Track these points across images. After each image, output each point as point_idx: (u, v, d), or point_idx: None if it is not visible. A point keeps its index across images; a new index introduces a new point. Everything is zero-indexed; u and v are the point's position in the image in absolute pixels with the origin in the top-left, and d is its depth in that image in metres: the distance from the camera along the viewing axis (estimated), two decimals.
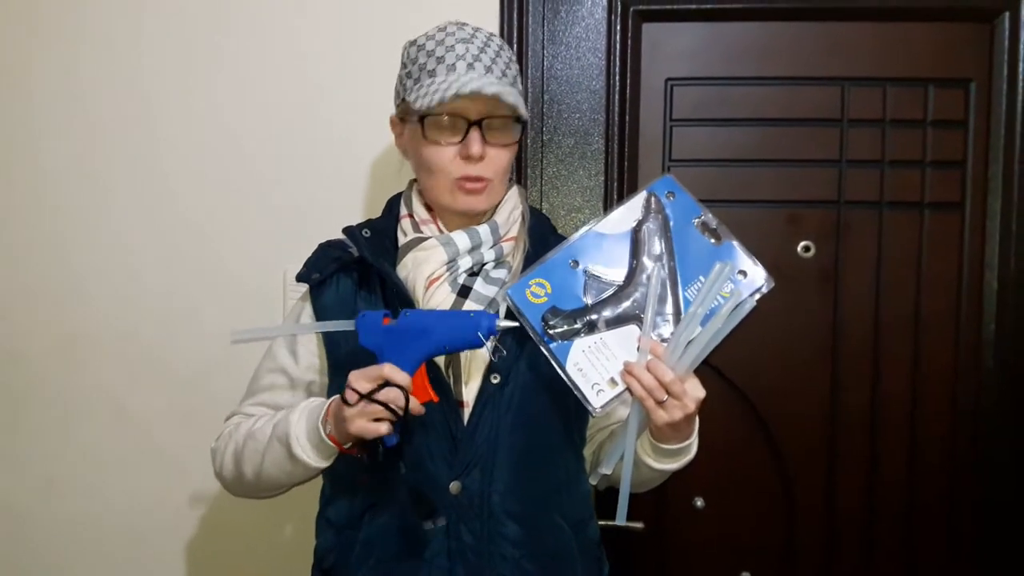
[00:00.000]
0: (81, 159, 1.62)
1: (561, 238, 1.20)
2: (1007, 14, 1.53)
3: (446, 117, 1.08)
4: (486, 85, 1.05)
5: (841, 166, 1.58)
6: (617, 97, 1.54)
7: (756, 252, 1.56)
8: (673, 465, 1.08)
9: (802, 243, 1.59)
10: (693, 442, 1.07)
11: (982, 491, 1.59)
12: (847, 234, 1.58)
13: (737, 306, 0.96)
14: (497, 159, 1.11)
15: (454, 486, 1.06)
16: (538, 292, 1.01)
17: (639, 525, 1.54)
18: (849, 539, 1.62)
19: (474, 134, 1.08)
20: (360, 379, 0.97)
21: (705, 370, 1.57)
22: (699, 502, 1.62)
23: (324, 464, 1.05)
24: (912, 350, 1.59)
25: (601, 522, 1.22)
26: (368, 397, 0.95)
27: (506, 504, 1.08)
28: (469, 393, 1.08)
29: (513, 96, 1.07)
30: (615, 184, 1.56)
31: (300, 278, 1.16)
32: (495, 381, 1.07)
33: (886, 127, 1.58)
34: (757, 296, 0.99)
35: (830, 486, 1.61)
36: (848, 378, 1.60)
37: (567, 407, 1.10)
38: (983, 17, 1.55)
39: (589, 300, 1.00)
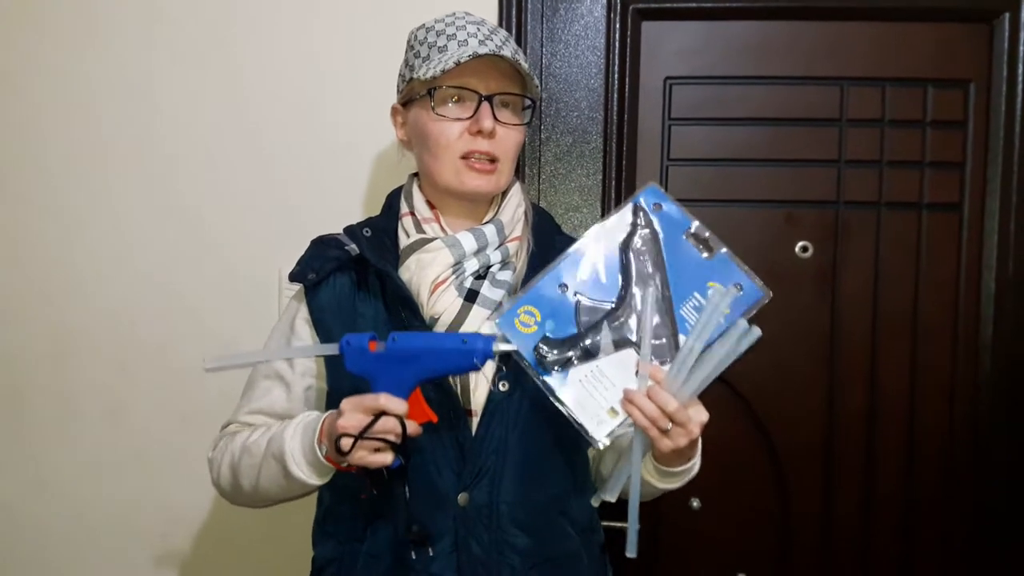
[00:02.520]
0: (77, 159, 1.61)
1: (565, 236, 1.19)
2: (1007, 15, 1.52)
3: (456, 91, 1.06)
4: (501, 50, 1.05)
5: (840, 166, 1.58)
6: (616, 96, 1.53)
7: (754, 252, 1.57)
8: (676, 484, 1.07)
9: (800, 243, 1.59)
10: (696, 461, 1.06)
11: (979, 493, 1.59)
12: (845, 234, 1.58)
13: (742, 338, 0.91)
14: (507, 139, 1.08)
15: (462, 497, 1.04)
16: (527, 321, 0.95)
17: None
18: (845, 540, 1.61)
19: (485, 108, 1.05)
20: (356, 410, 0.94)
21: None
22: (695, 503, 1.61)
23: (322, 481, 1.03)
24: (910, 351, 1.59)
25: (605, 523, 1.21)
26: (362, 437, 0.92)
27: (514, 514, 1.05)
28: (477, 402, 1.05)
29: (527, 66, 1.07)
30: (613, 183, 1.55)
31: (294, 278, 1.11)
32: (503, 389, 1.05)
33: (885, 127, 1.57)
34: (755, 310, 0.95)
35: (826, 487, 1.61)
36: (845, 378, 1.59)
37: None
38: (982, 18, 1.54)
39: (581, 325, 0.95)
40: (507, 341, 0.95)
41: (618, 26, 1.53)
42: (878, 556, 1.62)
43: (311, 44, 1.55)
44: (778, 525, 1.62)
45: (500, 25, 1.51)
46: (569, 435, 1.08)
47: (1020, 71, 1.52)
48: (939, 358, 1.59)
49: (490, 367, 1.05)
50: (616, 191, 1.55)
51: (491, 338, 0.95)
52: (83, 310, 1.62)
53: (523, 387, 1.05)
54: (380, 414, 0.93)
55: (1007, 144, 1.54)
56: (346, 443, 0.92)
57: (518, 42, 1.51)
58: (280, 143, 1.57)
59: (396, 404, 0.93)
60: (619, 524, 1.54)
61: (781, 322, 1.58)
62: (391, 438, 0.93)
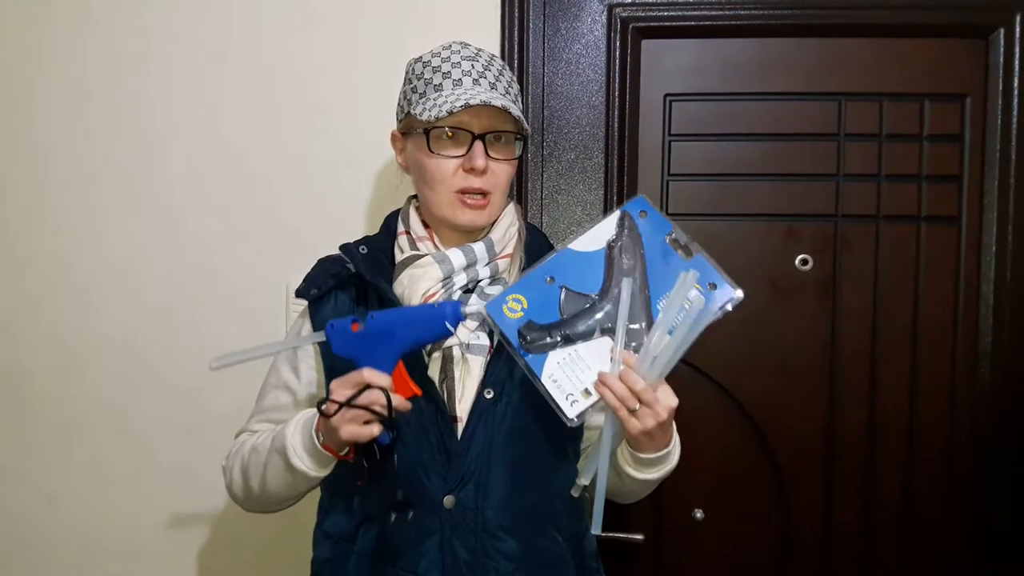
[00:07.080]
0: (84, 172, 1.64)
1: None
2: (1002, 30, 1.55)
3: (451, 130, 1.10)
4: (494, 98, 1.08)
5: (838, 180, 1.60)
6: (616, 112, 1.56)
7: (754, 265, 1.59)
8: (655, 475, 1.09)
9: (800, 256, 1.61)
10: (672, 451, 1.09)
11: (979, 503, 1.60)
12: (844, 247, 1.60)
13: (701, 315, 0.97)
14: (499, 173, 1.13)
15: (448, 500, 1.07)
16: (515, 307, 1.03)
17: (639, 537, 1.56)
18: (846, 551, 1.62)
19: (478, 147, 1.10)
20: (342, 387, 1.00)
21: (704, 382, 1.59)
22: (699, 514, 1.62)
23: (323, 472, 1.07)
24: (909, 363, 1.60)
25: (600, 533, 1.22)
26: (347, 405, 0.98)
27: (500, 518, 1.08)
28: (463, 408, 1.09)
29: (518, 111, 1.11)
30: (615, 198, 1.57)
31: (299, 294, 1.17)
32: (488, 396, 1.08)
33: (883, 141, 1.59)
34: (729, 308, 1.00)
35: (828, 498, 1.62)
36: (846, 390, 1.61)
37: (561, 421, 1.11)
38: (978, 33, 1.57)
39: (564, 313, 1.02)
40: (476, 303, 1.03)
41: (618, 44, 1.56)
42: (879, 566, 1.62)
43: (315, 63, 1.58)
44: (780, 535, 1.63)
45: (502, 46, 1.54)
46: (556, 442, 1.12)
47: (1015, 85, 1.54)
48: (938, 368, 1.60)
49: (477, 374, 1.09)
50: (617, 206, 1.56)
51: (459, 302, 1.02)
52: (89, 326, 1.65)
53: (509, 395, 1.09)
54: (365, 387, 0.98)
55: (1003, 157, 1.55)
56: (330, 407, 0.98)
57: (520, 62, 1.54)
58: (287, 160, 1.59)
59: (378, 377, 0.99)
60: (613, 535, 1.56)
61: (782, 334, 1.60)
62: (377, 408, 0.98)
